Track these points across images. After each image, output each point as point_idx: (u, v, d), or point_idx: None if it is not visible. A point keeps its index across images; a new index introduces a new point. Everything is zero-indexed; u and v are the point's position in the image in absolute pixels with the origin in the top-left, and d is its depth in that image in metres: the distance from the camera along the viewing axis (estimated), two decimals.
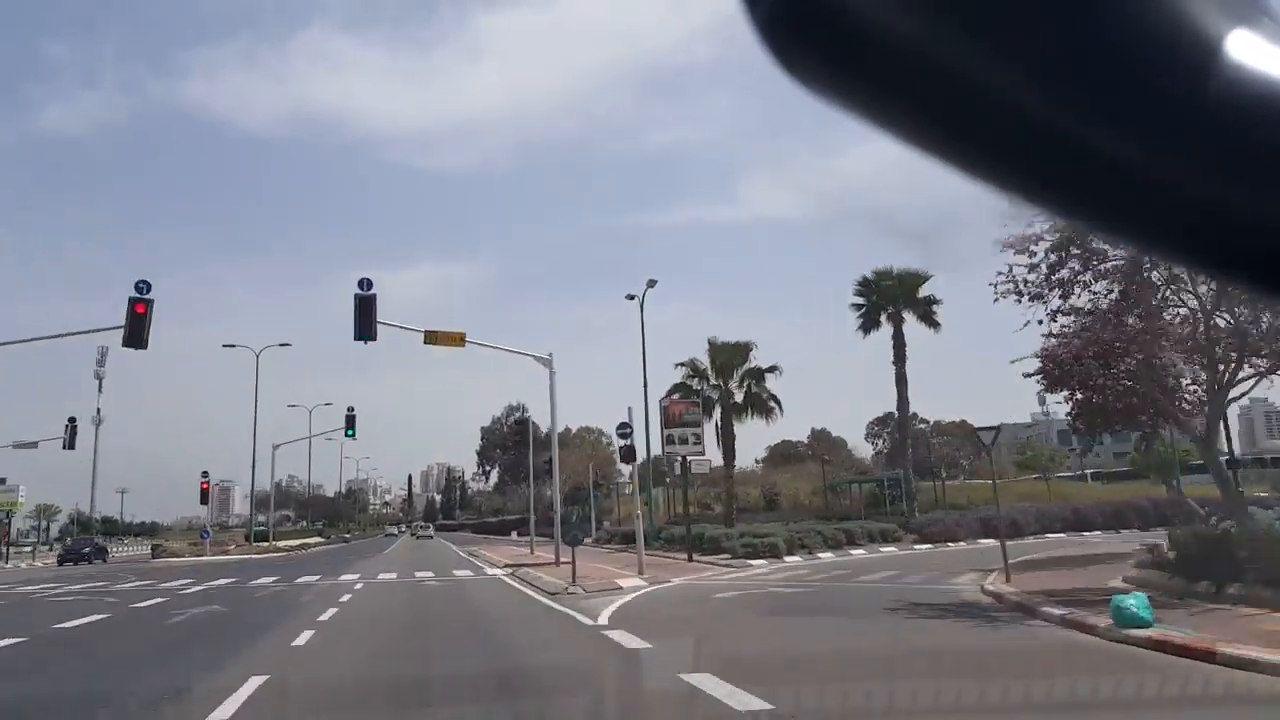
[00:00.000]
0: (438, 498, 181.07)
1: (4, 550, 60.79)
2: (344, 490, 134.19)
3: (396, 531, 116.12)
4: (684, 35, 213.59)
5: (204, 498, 58.22)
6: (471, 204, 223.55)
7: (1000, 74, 0.50)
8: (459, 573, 30.42)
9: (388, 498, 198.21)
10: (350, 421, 38.61)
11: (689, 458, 38.26)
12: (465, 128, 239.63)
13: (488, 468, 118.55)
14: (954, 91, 0.50)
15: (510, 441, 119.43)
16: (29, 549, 78.11)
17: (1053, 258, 16.01)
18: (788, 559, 29.96)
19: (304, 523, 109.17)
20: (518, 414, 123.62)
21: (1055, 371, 18.15)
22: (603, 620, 14.76)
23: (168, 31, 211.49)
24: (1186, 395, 17.89)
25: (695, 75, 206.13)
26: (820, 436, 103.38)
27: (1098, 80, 0.48)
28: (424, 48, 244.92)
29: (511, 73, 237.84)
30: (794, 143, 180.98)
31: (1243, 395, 17.22)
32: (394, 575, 29.69)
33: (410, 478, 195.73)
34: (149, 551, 64.53)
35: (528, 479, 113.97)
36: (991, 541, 25.46)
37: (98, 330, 26.21)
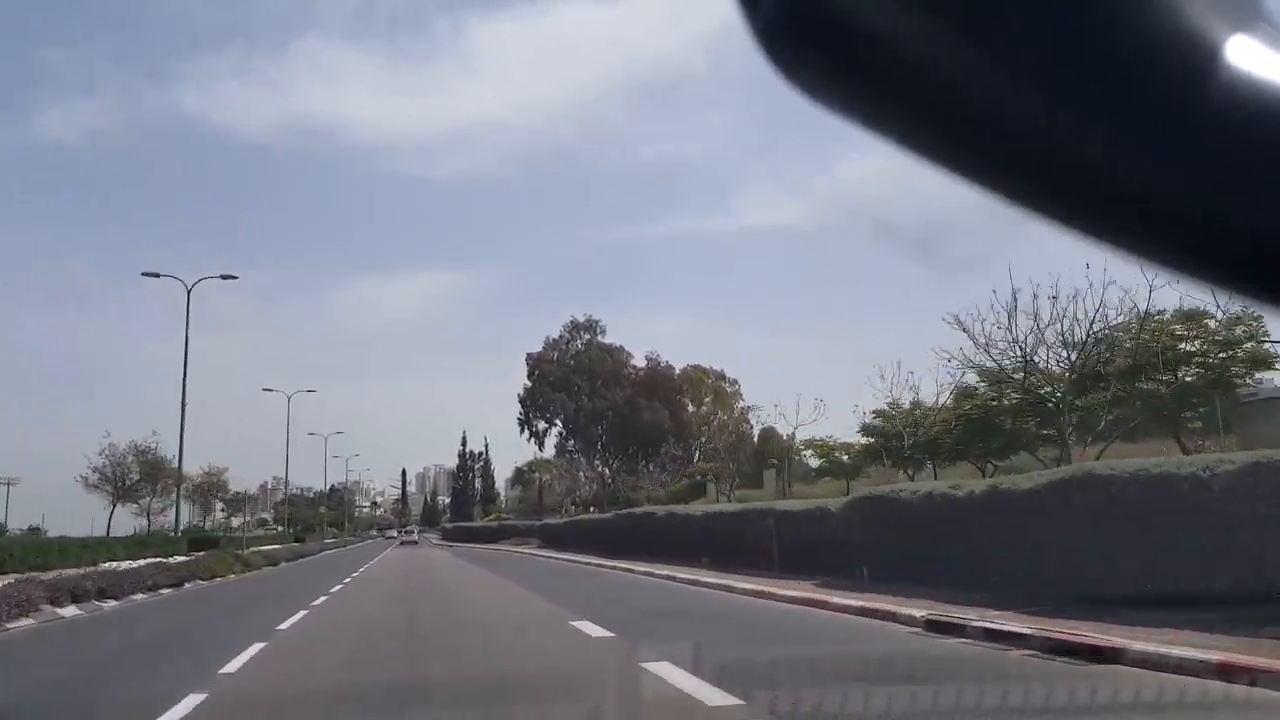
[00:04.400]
0: (444, 500, 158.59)
1: None
2: (327, 490, 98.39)
3: (396, 534, 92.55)
4: (681, 47, 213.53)
5: None
6: (468, 214, 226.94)
7: (999, 80, 0.49)
8: None
9: (379, 499, 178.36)
10: None
11: None
12: (461, 138, 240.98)
13: (540, 424, 67.22)
14: (954, 98, 0.50)
15: (583, 379, 68.02)
16: None
17: None
18: None
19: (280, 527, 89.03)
20: (588, 335, 72.26)
21: None
22: None
23: (164, 40, 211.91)
24: None
25: (692, 87, 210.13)
26: None
27: (1096, 86, 0.47)
28: (419, 58, 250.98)
29: (507, 83, 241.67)
30: (792, 152, 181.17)
31: None
32: None
33: (404, 472, 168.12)
34: None
35: (617, 440, 62.12)
36: None
37: None
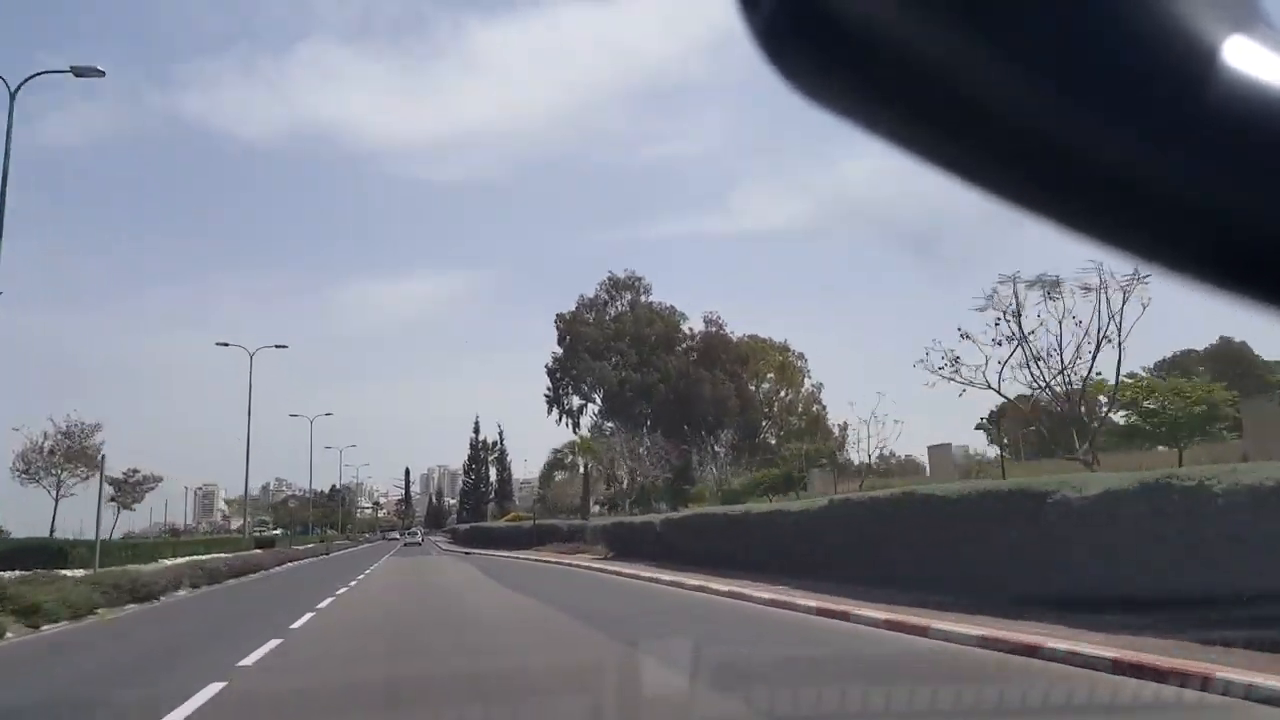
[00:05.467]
0: (449, 501, 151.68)
1: None
2: (311, 484, 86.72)
3: (399, 536, 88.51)
4: (680, 51, 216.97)
5: None
6: (470, 216, 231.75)
7: (998, 81, 0.49)
8: None
9: (381, 500, 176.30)
10: None
11: None
12: (462, 140, 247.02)
13: (573, 400, 54.25)
14: (952, 99, 0.50)
15: (627, 345, 55.03)
16: None
17: None
18: None
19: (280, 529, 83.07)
20: (630, 294, 59.35)
21: None
22: None
23: (167, 45, 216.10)
24: None
25: (691, 91, 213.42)
26: None
27: (1095, 87, 0.47)
28: (421, 61, 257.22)
29: (508, 86, 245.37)
30: (791, 154, 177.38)
31: None
32: None
33: (407, 471, 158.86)
34: None
35: (669, 419, 48.74)
36: None
37: None
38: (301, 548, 45.18)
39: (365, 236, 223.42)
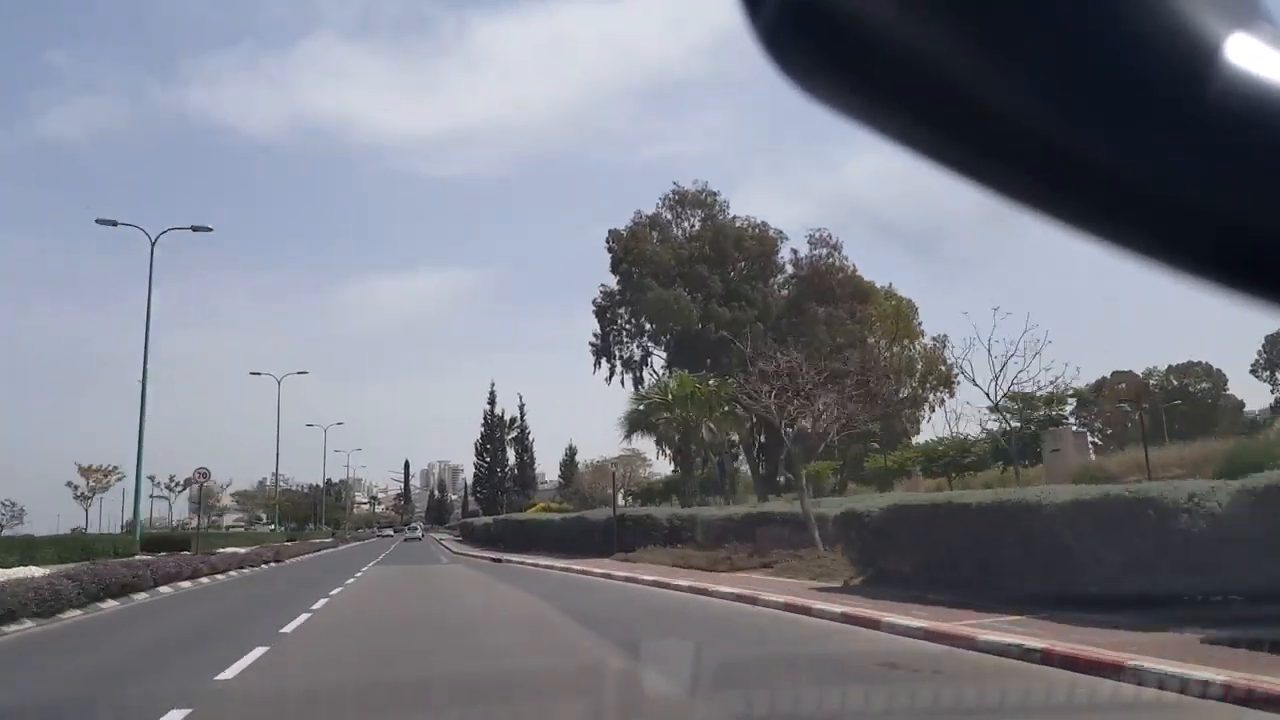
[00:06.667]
0: (451, 496, 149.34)
1: None
2: (276, 473, 78.34)
3: (393, 533, 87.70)
4: (682, 50, 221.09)
5: None
6: (471, 213, 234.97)
7: (999, 80, 0.49)
8: None
9: (380, 495, 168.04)
10: None
11: None
12: (465, 137, 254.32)
13: (632, 348, 39.10)
14: (954, 97, 0.50)
15: (708, 271, 40.16)
16: None
17: None
18: None
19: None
20: (700, 212, 44.33)
21: None
22: None
23: (170, 41, 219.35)
24: None
25: (692, 90, 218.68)
26: None
27: (1096, 85, 0.47)
28: (424, 58, 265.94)
29: (511, 83, 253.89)
30: (791, 155, 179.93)
31: None
32: None
33: (407, 464, 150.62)
34: None
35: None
36: None
37: None
38: (225, 551, 29.16)
39: (366, 234, 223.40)
